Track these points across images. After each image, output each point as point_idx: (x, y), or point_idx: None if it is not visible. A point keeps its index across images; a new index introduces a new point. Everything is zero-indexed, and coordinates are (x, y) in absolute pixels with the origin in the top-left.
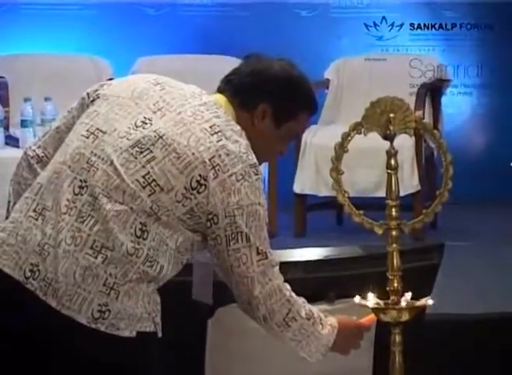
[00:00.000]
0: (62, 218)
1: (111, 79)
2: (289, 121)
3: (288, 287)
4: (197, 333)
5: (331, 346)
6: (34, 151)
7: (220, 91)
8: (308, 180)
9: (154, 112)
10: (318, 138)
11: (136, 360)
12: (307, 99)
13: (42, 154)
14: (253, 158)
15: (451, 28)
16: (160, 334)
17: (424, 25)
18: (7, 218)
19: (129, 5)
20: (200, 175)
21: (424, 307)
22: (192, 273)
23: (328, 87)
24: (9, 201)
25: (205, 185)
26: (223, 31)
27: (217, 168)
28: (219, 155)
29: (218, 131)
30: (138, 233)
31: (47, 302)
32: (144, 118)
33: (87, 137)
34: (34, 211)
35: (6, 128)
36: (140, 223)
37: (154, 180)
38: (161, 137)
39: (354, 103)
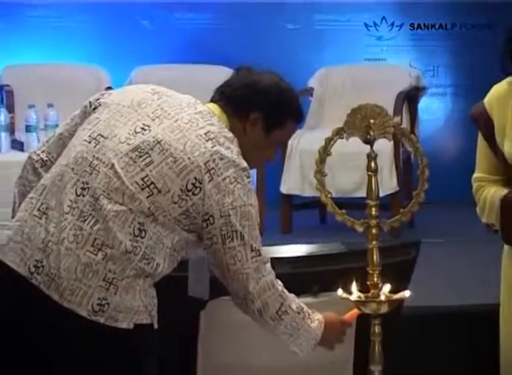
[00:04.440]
0: (64, 217)
1: (109, 87)
2: (277, 129)
3: (279, 282)
4: (191, 324)
5: (319, 341)
6: (39, 155)
7: (214, 100)
8: (294, 182)
9: (153, 120)
10: (303, 143)
11: (133, 351)
12: (294, 109)
13: (46, 158)
14: (244, 163)
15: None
16: (156, 326)
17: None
18: (13, 218)
19: (126, 18)
20: (195, 178)
21: (402, 300)
22: (187, 269)
23: (312, 95)
24: (14, 202)
25: (200, 187)
26: (215, 42)
27: (212, 171)
28: (214, 160)
29: (213, 138)
30: (136, 232)
31: (50, 296)
32: (143, 125)
33: (90, 142)
34: (38, 210)
35: (12, 133)
36: (139, 222)
37: (152, 182)
38: (159, 142)
39: (337, 110)
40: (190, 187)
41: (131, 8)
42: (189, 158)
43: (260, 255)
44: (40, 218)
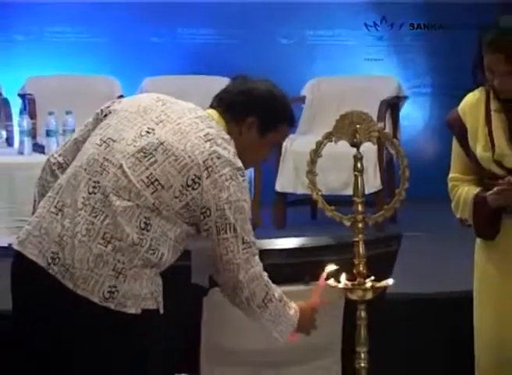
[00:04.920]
0: (78, 213)
1: (121, 96)
2: (271, 132)
3: (266, 273)
4: (195, 310)
5: (295, 326)
6: (56, 158)
7: (213, 106)
8: (288, 181)
9: (157, 124)
10: (296, 145)
11: (141, 333)
12: (286, 114)
13: (62, 161)
14: (239, 163)
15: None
16: (162, 311)
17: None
18: (33, 214)
19: (136, 34)
20: (195, 175)
21: (385, 287)
22: (190, 259)
23: (304, 103)
24: (35, 201)
25: (199, 183)
26: (215, 55)
27: (209, 169)
28: (211, 159)
29: (211, 139)
30: (142, 226)
31: (65, 284)
32: (148, 128)
33: (100, 145)
34: (55, 207)
35: (34, 137)
36: (145, 217)
37: (156, 179)
38: (162, 143)
39: (326, 116)
40: (190, 182)
41: (141, 25)
42: (189, 157)
43: (250, 247)
44: (57, 214)
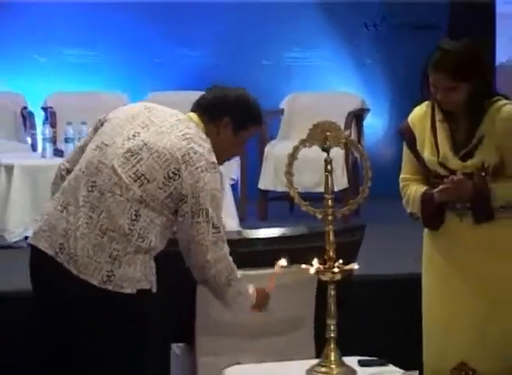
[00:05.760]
0: (80, 210)
1: None
2: (243, 131)
3: (230, 257)
4: (190, 289)
5: (253, 304)
6: (64, 165)
7: (193, 110)
8: (269, 180)
9: (142, 128)
10: (276, 150)
11: (137, 310)
12: (256, 116)
13: (70, 167)
14: (213, 158)
15: None
16: (154, 290)
17: None
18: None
19: (141, 55)
20: (175, 168)
21: (351, 270)
22: None
23: (283, 114)
24: None
25: (179, 175)
26: (209, 73)
27: (187, 163)
28: (188, 154)
29: (189, 138)
30: (133, 217)
31: (70, 270)
32: (135, 132)
33: (95, 150)
34: (61, 206)
35: (54, 143)
36: (135, 210)
37: (142, 174)
38: (146, 144)
39: (301, 125)
40: (171, 175)
41: (145, 46)
42: (170, 153)
43: (219, 232)
44: (62, 211)
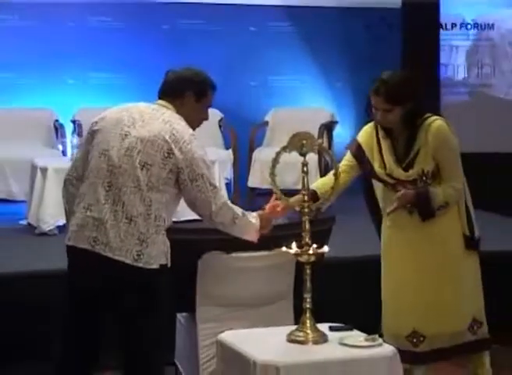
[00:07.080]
0: (103, 207)
1: None
2: (203, 97)
3: (229, 201)
4: (193, 267)
5: (258, 229)
6: (70, 175)
7: (160, 98)
8: (256, 179)
9: (129, 127)
10: (262, 155)
11: (160, 280)
12: (211, 83)
13: (76, 175)
14: (191, 131)
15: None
16: (169, 265)
17: None
18: (66, 218)
19: (141, 80)
20: (167, 148)
21: (323, 253)
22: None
23: (267, 125)
24: (65, 208)
25: (172, 153)
26: None
27: (175, 141)
28: (173, 134)
29: (167, 121)
30: (148, 202)
31: (107, 256)
32: (125, 132)
33: (100, 157)
34: (83, 208)
35: None
36: (147, 196)
37: (145, 162)
38: (138, 138)
39: (283, 135)
40: (166, 155)
41: (148, 68)
42: (159, 138)
43: (215, 187)
44: (86, 212)
